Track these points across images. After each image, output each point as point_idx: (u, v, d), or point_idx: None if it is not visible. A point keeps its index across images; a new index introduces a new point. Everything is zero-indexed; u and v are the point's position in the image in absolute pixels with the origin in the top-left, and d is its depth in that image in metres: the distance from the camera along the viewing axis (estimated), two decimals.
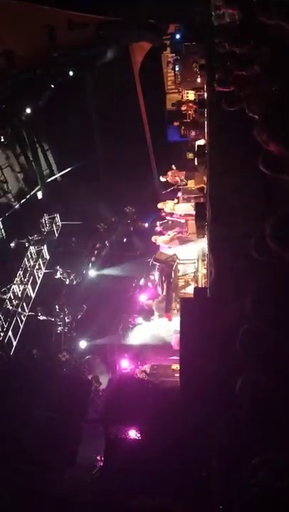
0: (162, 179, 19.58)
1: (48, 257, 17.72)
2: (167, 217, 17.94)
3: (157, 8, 18.33)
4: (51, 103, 17.67)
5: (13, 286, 16.13)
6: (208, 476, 7.02)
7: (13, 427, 10.62)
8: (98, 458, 12.14)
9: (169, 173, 19.45)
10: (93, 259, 19.20)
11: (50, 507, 10.02)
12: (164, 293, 15.60)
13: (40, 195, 19.25)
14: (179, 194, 18.50)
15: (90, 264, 19.23)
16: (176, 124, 20.73)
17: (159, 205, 17.78)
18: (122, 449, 9.35)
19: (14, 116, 16.30)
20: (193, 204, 15.03)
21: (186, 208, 16.87)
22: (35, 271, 16.87)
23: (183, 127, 20.07)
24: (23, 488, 10.02)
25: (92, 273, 19.47)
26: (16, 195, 18.26)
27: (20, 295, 16.08)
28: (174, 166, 19.56)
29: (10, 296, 15.85)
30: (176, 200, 17.89)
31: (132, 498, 8.42)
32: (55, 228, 18.33)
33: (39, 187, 19.17)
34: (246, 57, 5.12)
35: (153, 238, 17.73)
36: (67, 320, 17.40)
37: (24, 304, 16.05)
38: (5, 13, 14.51)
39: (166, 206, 17.49)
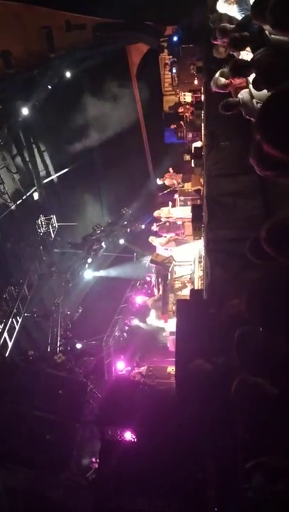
0: (159, 182, 19.58)
1: (44, 258, 17.69)
2: (163, 219, 17.95)
3: (155, 10, 18.37)
4: (48, 104, 17.66)
5: (9, 287, 16.09)
6: (204, 478, 7.02)
7: (8, 428, 10.58)
8: (94, 460, 12.11)
9: (166, 175, 19.46)
10: (89, 260, 19.18)
11: (46, 509, 9.99)
12: (161, 293, 15.60)
13: (36, 196, 19.21)
14: (176, 196, 18.53)
15: (87, 266, 19.21)
16: (173, 126, 20.75)
17: (155, 214, 17.82)
18: (117, 451, 9.31)
19: (11, 116, 16.28)
20: (189, 207, 15.03)
21: (183, 211, 16.88)
22: (31, 272, 16.84)
23: (180, 129, 20.11)
24: (19, 490, 9.98)
25: (89, 274, 19.45)
26: (12, 196, 18.22)
27: (16, 296, 16.04)
28: (170, 169, 19.58)
29: (6, 297, 15.81)
30: (170, 204, 17.91)
31: (128, 501, 8.40)
32: (51, 229, 18.29)
33: (35, 188, 19.14)
34: (243, 60, 5.13)
35: (150, 239, 17.74)
36: (63, 321, 17.37)
37: (20, 305, 16.01)
38: (2, 14, 14.50)
39: (162, 213, 17.52)
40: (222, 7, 6.14)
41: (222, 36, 5.49)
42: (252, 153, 2.42)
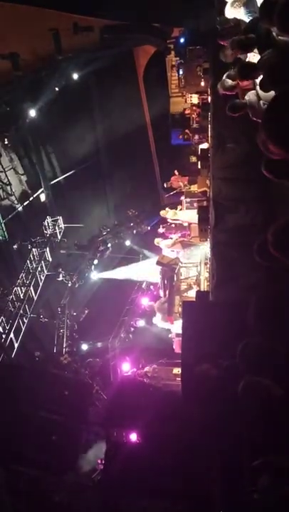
0: (165, 185, 19.60)
1: (50, 260, 17.75)
2: (170, 220, 17.95)
3: (162, 12, 18.38)
4: (55, 106, 17.73)
5: (16, 288, 16.15)
6: (209, 480, 7.00)
7: (14, 429, 10.61)
8: (99, 461, 12.12)
9: (172, 178, 19.47)
10: (96, 261, 19.22)
11: (51, 510, 10.00)
12: (167, 296, 15.58)
13: (43, 197, 19.29)
14: (182, 198, 18.51)
15: (93, 267, 19.25)
16: (181, 136, 20.70)
17: (162, 213, 17.83)
18: (123, 453, 9.33)
19: (18, 118, 16.37)
20: (196, 210, 15.02)
21: (189, 214, 16.86)
22: (37, 273, 16.88)
23: (186, 131, 20.09)
24: (23, 491, 10.00)
25: (95, 276, 19.49)
26: (19, 198, 18.31)
27: (22, 297, 16.09)
28: (176, 171, 19.58)
29: (12, 298, 15.87)
30: (179, 208, 17.90)
31: (133, 502, 8.40)
32: (57, 231, 18.36)
33: (42, 189, 19.22)
34: (251, 62, 5.13)
35: (156, 241, 17.73)
36: (69, 322, 17.41)
37: (26, 306, 16.06)
38: (10, 16, 14.58)
39: (168, 214, 17.53)
40: (229, 10, 6.13)
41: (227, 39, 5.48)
42: (263, 162, 2.43)
